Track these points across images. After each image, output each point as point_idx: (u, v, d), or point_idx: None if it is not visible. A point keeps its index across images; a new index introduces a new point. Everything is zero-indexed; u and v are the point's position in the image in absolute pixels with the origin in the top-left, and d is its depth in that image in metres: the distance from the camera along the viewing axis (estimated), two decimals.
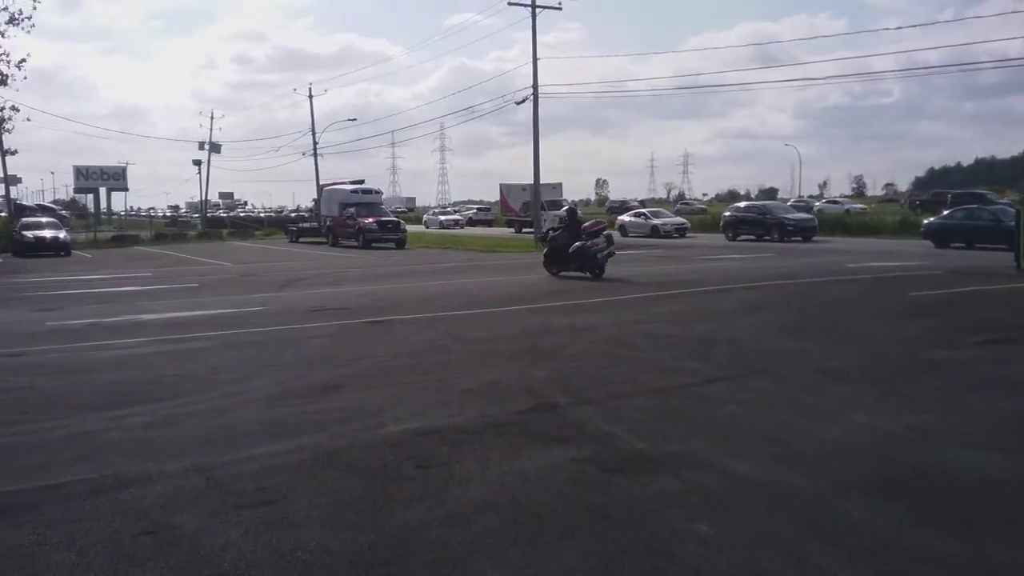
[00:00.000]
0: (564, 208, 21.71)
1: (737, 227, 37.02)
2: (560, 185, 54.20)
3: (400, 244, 34.76)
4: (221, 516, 4.50)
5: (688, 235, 40.77)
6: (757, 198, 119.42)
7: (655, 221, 41.85)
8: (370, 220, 35.26)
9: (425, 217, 66.16)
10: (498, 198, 62.17)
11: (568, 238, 18.92)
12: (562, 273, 19.04)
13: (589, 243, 18.46)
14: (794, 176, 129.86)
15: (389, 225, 35.52)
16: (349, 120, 57.47)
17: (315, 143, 53.22)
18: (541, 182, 46.21)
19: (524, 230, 45.56)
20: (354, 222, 35.70)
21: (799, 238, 33.87)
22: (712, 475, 5.09)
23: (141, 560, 3.93)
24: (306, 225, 46.29)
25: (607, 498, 4.71)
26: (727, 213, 39.73)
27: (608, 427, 6.14)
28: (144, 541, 4.16)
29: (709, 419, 6.41)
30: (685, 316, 12.37)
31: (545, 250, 20.00)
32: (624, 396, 7.16)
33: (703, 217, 53.86)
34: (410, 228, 52.51)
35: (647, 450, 5.59)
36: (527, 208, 45.27)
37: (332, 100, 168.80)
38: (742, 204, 43.72)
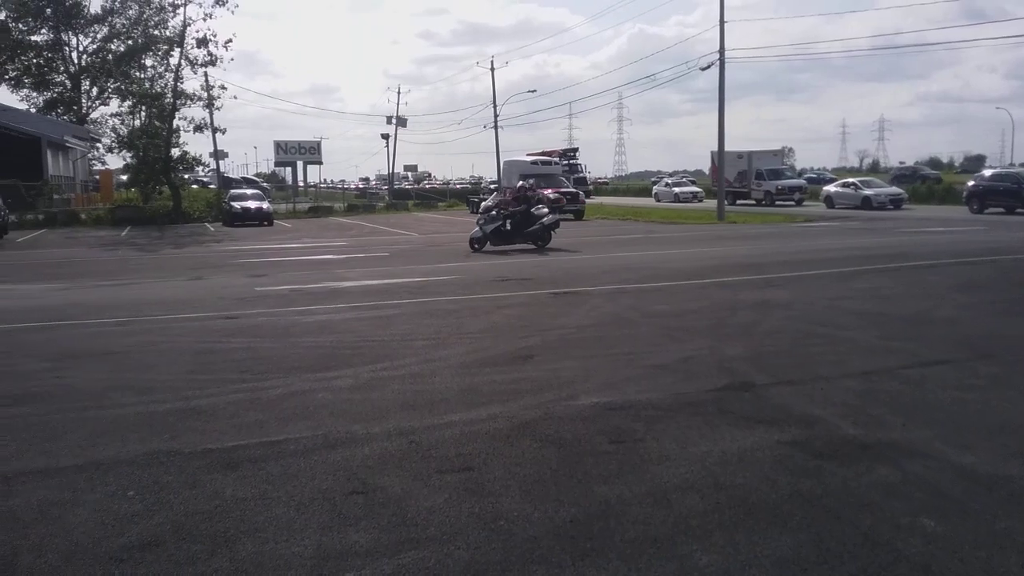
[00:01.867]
0: (519, 184, 21.91)
1: (984, 198, 33.06)
2: (782, 151, 49.74)
3: (579, 215, 34.70)
4: (424, 480, 4.62)
5: (905, 207, 37.07)
6: (962, 166, 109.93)
7: (867, 191, 38.26)
8: (549, 191, 35.38)
9: (656, 188, 59.72)
10: (704, 167, 59.81)
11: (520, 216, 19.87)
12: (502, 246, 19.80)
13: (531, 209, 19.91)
14: (1005, 141, 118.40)
15: (568, 196, 35.51)
16: (529, 92, 58.26)
17: (496, 115, 54.16)
18: (758, 149, 44.59)
19: (739, 202, 42.86)
20: (533, 193, 35.89)
21: None
22: (936, 467, 4.67)
23: (354, 519, 4.09)
24: (487, 196, 47.11)
25: (819, 485, 4.43)
26: (971, 183, 35.54)
27: (815, 410, 5.79)
28: (355, 500, 4.33)
29: (929, 405, 5.91)
30: (891, 292, 11.54)
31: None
32: (829, 378, 6.74)
33: (915, 186, 48.33)
34: (639, 201, 52.16)
35: (861, 436, 5.22)
36: (742, 178, 43.33)
37: (512, 73, 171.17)
38: (988, 172, 38.01)
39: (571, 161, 64.90)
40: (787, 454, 4.93)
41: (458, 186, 74.92)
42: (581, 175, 64.27)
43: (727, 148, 35.14)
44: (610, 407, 5.99)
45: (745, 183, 43.49)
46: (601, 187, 78.62)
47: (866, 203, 37.14)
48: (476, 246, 19.74)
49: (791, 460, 4.83)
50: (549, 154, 66.84)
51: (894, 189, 40.07)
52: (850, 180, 44.07)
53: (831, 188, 41.99)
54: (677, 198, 52.21)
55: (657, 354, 7.77)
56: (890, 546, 3.72)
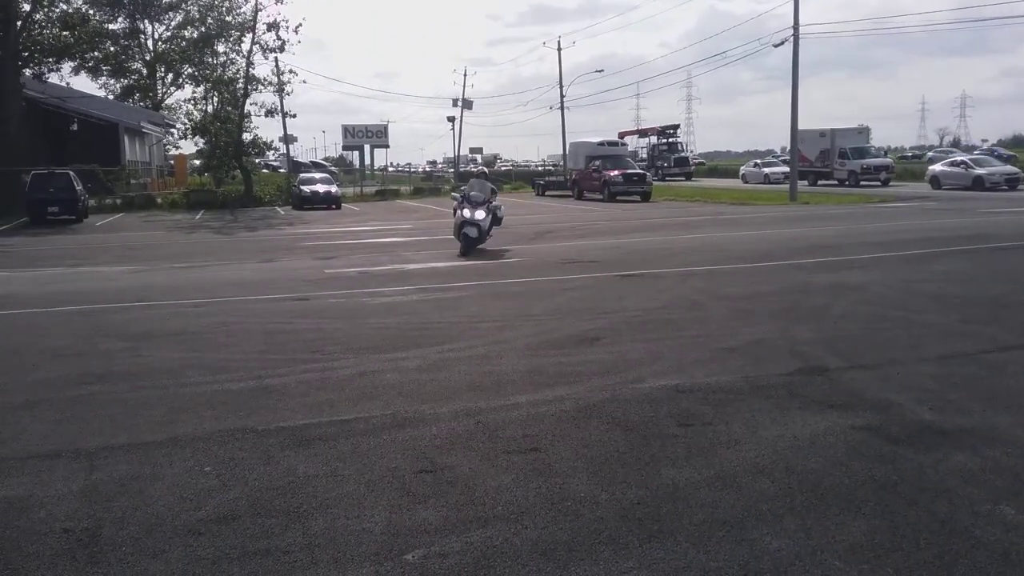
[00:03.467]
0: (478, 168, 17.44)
1: None
2: (868, 130, 46.13)
3: (645, 197, 34.39)
4: (492, 460, 4.65)
5: (1021, 187, 33.94)
6: None
7: (979, 171, 35.06)
8: (615, 173, 35.15)
9: (743, 170, 55.43)
10: (777, 146, 56.63)
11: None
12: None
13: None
14: None
15: (635, 178, 35.20)
16: (596, 72, 57.60)
17: (562, 96, 53.69)
18: (841, 127, 43.02)
19: (820, 182, 41.54)
20: (599, 175, 35.78)
21: None
22: (1017, 453, 4.52)
23: (423, 497, 4.14)
24: (552, 179, 47.00)
25: (894, 471, 4.32)
26: None
27: (889, 395, 5.64)
28: (424, 479, 4.39)
29: (1010, 391, 5.70)
30: (971, 275, 11.15)
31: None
32: (905, 362, 6.55)
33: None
34: (726, 182, 50.78)
35: (938, 422, 5.07)
36: (824, 157, 41.94)
37: (578, 54, 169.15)
38: None
39: (671, 139, 61.49)
40: (861, 439, 4.82)
41: (534, 167, 73.73)
42: (682, 154, 61.02)
43: (802, 127, 34.23)
44: (678, 390, 5.93)
45: (827, 162, 41.94)
46: (699, 166, 70.38)
47: (978, 183, 34.21)
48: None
49: (865, 445, 4.72)
50: (648, 131, 64.66)
51: (1009, 168, 36.86)
52: (960, 158, 40.98)
53: (938, 167, 39.26)
54: (767, 179, 49.27)
55: (726, 337, 7.67)
56: (967, 533, 3.61)
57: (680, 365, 6.67)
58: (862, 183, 39.78)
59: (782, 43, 32.93)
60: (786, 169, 45.15)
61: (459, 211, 15.68)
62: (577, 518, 3.87)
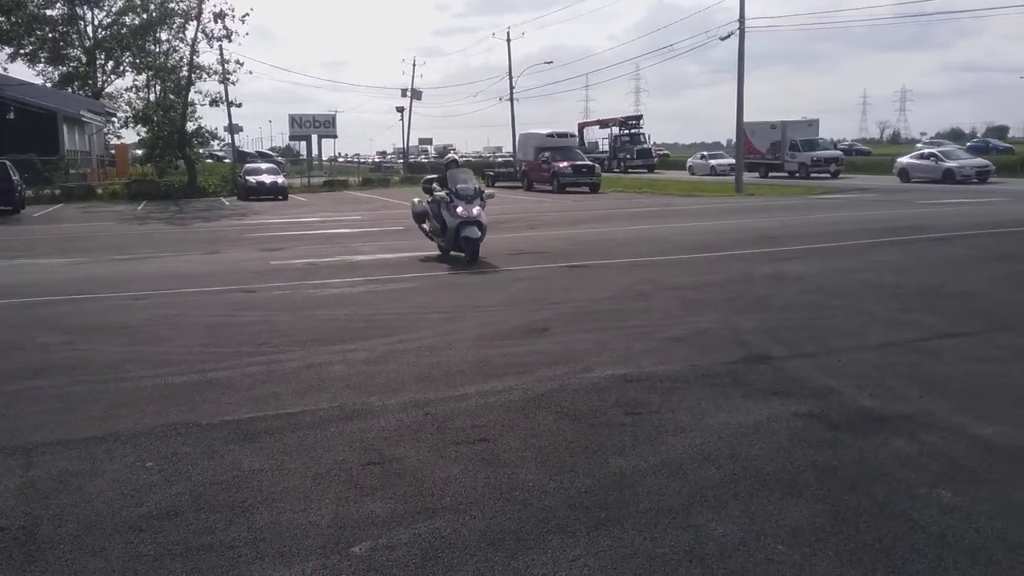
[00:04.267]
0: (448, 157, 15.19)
1: None
2: (817, 122, 45.21)
3: (594, 188, 34.60)
4: (441, 451, 4.64)
5: (991, 181, 33.12)
6: (985, 136, 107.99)
7: (949, 163, 34.12)
8: (565, 164, 35.29)
9: (690, 161, 55.70)
10: (723, 139, 56.13)
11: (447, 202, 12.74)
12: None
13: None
14: None
15: (584, 169, 35.39)
16: (545, 63, 57.62)
17: (511, 87, 53.68)
18: (791, 119, 42.95)
19: (771, 174, 41.79)
20: (549, 166, 35.89)
21: None
22: (954, 438, 4.65)
23: (371, 489, 4.11)
24: (502, 170, 46.95)
25: (834, 457, 4.42)
26: None
27: (830, 382, 5.76)
28: (372, 471, 4.36)
29: (947, 377, 5.87)
30: (909, 264, 11.45)
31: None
32: (845, 350, 6.70)
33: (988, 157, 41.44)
34: (674, 174, 50.52)
35: (877, 408, 5.20)
36: (775, 149, 41.96)
37: (527, 45, 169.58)
38: None
39: (633, 130, 58.91)
40: (803, 426, 4.92)
41: (482, 158, 73.23)
42: (645, 145, 58.37)
43: (752, 119, 34.59)
44: (625, 379, 5.98)
45: (779, 155, 41.98)
46: (664, 157, 68.00)
47: (948, 176, 33.36)
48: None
49: (807, 432, 4.82)
50: (609, 122, 61.50)
51: (980, 160, 35.65)
52: (929, 150, 39.43)
53: (906, 159, 38.23)
54: (714, 171, 49.86)
55: (673, 327, 7.75)
56: (906, 516, 3.71)
57: (627, 355, 6.73)
58: (812, 175, 39.91)
59: (728, 36, 33.37)
60: (732, 161, 44.76)
61: (445, 211, 12.57)
62: (525, 507, 3.88)
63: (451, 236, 12.55)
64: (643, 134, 59.12)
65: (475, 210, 12.59)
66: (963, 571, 3.24)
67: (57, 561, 3.44)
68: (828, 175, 39.92)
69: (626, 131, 58.79)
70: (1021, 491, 3.94)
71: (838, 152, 44.96)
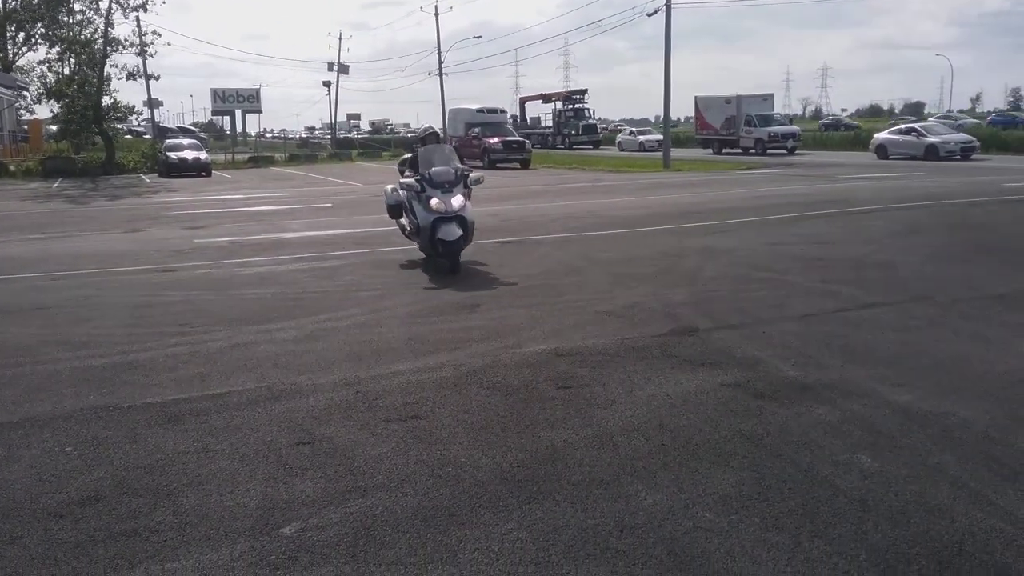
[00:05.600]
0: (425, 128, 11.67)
1: None
2: (772, 97, 43.82)
3: (525, 164, 34.59)
4: (371, 429, 4.59)
5: (974, 157, 31.78)
6: (902, 113, 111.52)
7: (932, 139, 32.30)
8: (495, 140, 35.20)
9: (619, 138, 54.55)
10: (651, 115, 55.59)
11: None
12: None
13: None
14: (944, 89, 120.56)
15: (514, 145, 35.35)
16: (474, 38, 57.24)
17: (440, 62, 53.23)
18: (747, 93, 42.41)
19: (726, 150, 40.71)
20: (479, 142, 35.73)
21: None
22: (873, 405, 4.80)
23: (300, 469, 4.05)
24: None
25: (760, 425, 4.52)
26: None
27: (756, 352, 5.89)
28: (301, 451, 4.29)
29: (867, 347, 6.05)
30: (832, 237, 11.76)
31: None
32: (771, 321, 6.86)
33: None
34: (603, 151, 49.48)
35: (800, 377, 5.34)
36: (730, 124, 40.95)
37: (456, 19, 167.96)
38: None
39: (578, 105, 57.04)
40: (730, 396, 5.02)
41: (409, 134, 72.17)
42: (590, 121, 56.66)
43: (675, 96, 34.73)
44: (557, 353, 6.01)
45: (733, 130, 41.07)
46: (613, 132, 65.15)
47: (931, 152, 31.61)
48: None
49: (733, 401, 4.92)
50: (552, 96, 59.43)
51: (963, 136, 33.98)
52: (910, 126, 37.37)
53: (884, 135, 36.06)
54: (642, 147, 49.41)
55: (604, 301, 7.82)
56: (828, 482, 3.82)
57: (559, 329, 6.76)
58: (769, 151, 38.97)
59: (655, 12, 33.63)
60: (660, 137, 43.31)
61: (416, 204, 9.71)
62: (458, 483, 3.87)
63: (424, 237, 9.55)
64: (588, 109, 57.55)
65: (455, 202, 9.42)
66: (883, 533, 3.35)
67: None
68: (785, 151, 39.17)
69: (570, 106, 57.15)
70: (937, 455, 4.09)
71: (795, 128, 44.17)
